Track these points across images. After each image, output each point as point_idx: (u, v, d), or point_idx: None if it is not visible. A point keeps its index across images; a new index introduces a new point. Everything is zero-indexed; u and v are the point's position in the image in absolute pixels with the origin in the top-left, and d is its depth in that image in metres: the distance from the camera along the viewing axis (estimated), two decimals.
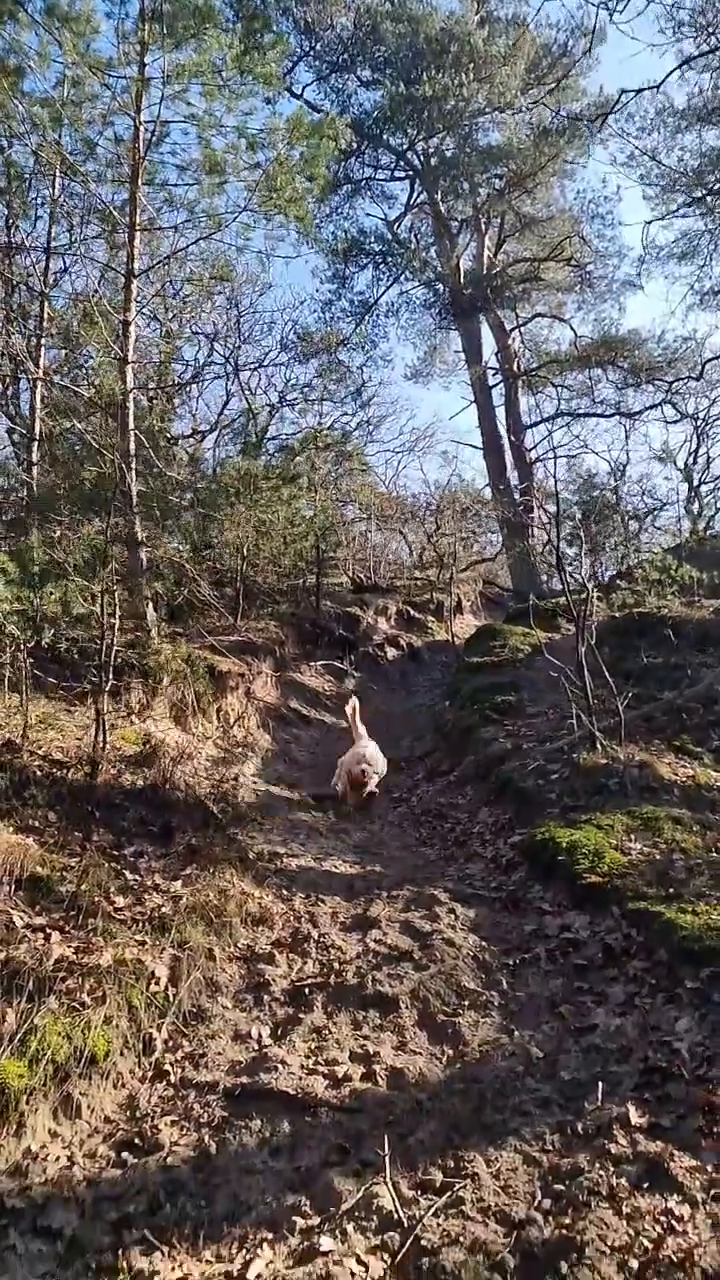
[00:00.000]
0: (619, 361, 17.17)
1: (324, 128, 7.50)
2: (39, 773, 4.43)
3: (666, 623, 7.59)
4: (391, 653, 12.38)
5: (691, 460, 16.11)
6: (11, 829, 3.84)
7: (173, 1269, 2.00)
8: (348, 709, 6.91)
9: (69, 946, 3.14)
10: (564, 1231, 1.96)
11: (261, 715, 7.98)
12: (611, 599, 8.94)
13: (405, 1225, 2.07)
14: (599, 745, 5.44)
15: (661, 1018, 2.86)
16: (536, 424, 18.93)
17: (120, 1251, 2.07)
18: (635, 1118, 2.35)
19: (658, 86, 11.33)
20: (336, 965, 3.50)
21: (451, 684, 9.19)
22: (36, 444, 7.63)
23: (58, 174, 7.79)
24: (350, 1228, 2.08)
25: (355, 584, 14.34)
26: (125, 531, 6.70)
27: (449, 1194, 2.16)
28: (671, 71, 11.63)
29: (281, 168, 7.35)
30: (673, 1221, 1.95)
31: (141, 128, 7.09)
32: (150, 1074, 2.82)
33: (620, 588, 9.48)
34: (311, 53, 16.55)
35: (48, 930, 3.23)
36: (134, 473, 6.88)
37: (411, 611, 14.07)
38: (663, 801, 4.72)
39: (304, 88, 16.79)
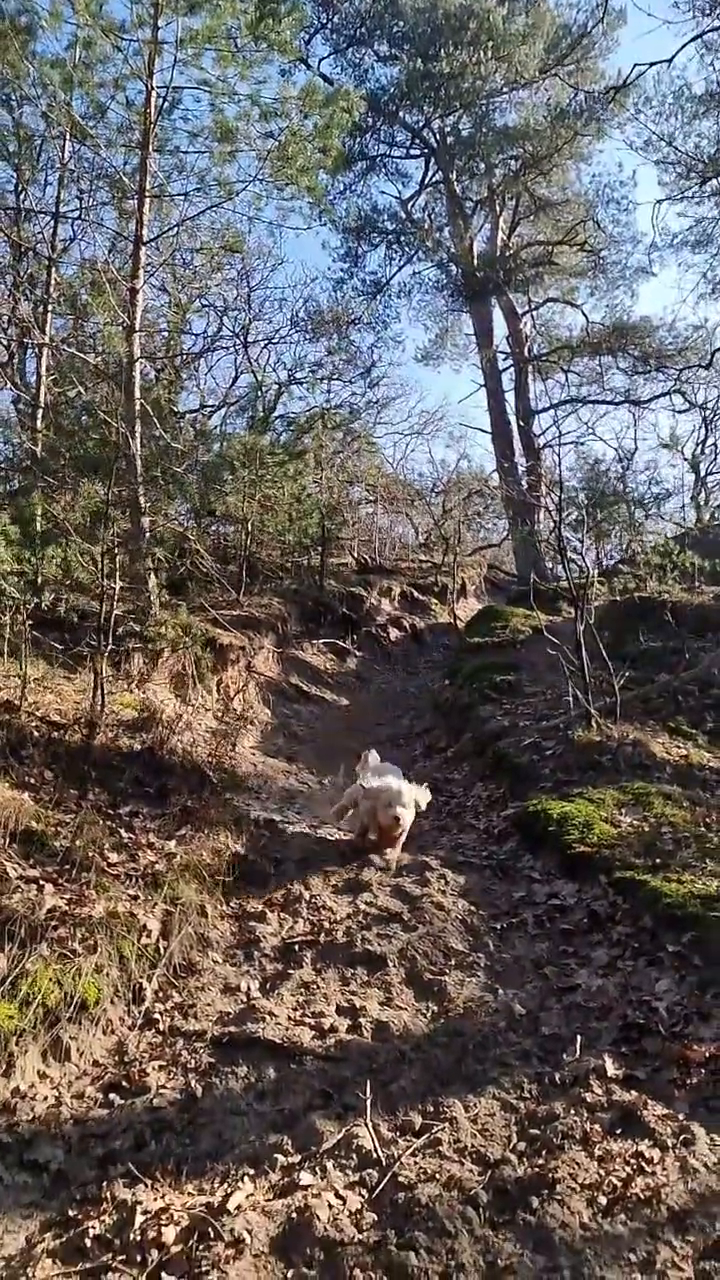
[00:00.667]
0: (629, 349, 16.99)
1: (338, 98, 7.42)
2: (36, 733, 4.47)
3: (666, 607, 7.59)
4: (394, 633, 12.40)
5: (699, 450, 15.97)
6: (7, 785, 3.88)
7: (155, 1200, 2.06)
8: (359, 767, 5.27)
9: (62, 898, 3.18)
10: (537, 1170, 2.01)
11: (262, 690, 8.01)
12: (613, 583, 8.93)
13: (383, 1163, 2.12)
14: (594, 724, 5.46)
15: (642, 979, 2.90)
16: (545, 409, 18.77)
17: (105, 1184, 2.13)
18: (612, 1069, 2.40)
19: (669, 61, 11.19)
20: (327, 925, 3.55)
21: (452, 664, 9.22)
22: (41, 411, 7.62)
23: (67, 138, 7.72)
24: (330, 1165, 2.14)
25: (360, 564, 14.33)
26: (128, 497, 6.69)
27: (427, 1136, 2.21)
28: (684, 45, 11.49)
29: (294, 137, 7.28)
30: (643, 1163, 2.00)
31: (154, 93, 7.01)
32: (140, 1022, 2.88)
33: (622, 572, 9.47)
34: (329, 25, 16.31)
35: (41, 882, 3.27)
36: (138, 440, 6.87)
37: (415, 593, 14.07)
38: (655, 778, 4.75)
39: (320, 61, 16.57)
